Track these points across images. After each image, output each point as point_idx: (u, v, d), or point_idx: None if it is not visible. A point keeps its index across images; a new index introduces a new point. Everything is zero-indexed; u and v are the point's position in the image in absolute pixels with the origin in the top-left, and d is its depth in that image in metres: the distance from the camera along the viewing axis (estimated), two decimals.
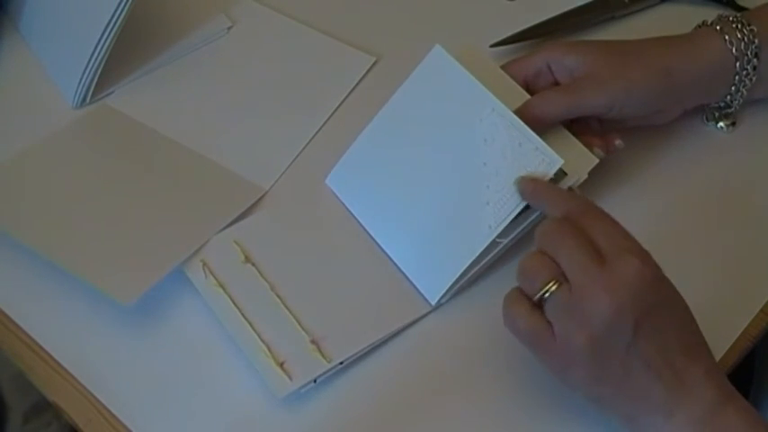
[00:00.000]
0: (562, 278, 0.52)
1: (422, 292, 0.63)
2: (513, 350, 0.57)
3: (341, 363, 0.60)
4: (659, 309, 0.52)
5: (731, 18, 0.68)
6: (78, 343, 0.63)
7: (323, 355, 0.60)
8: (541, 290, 0.52)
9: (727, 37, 0.67)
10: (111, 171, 0.71)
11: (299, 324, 0.61)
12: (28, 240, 0.65)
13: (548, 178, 0.59)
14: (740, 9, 0.81)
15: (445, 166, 0.64)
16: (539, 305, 0.53)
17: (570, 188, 0.62)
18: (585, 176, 0.62)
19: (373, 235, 0.66)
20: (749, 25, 0.67)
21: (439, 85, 0.65)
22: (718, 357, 0.61)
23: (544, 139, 0.60)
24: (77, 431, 0.60)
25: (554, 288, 0.52)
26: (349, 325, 0.62)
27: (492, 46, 0.78)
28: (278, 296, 0.63)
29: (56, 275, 0.64)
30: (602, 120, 0.69)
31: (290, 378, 0.59)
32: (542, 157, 0.59)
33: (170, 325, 0.63)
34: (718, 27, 0.68)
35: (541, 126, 0.63)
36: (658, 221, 0.68)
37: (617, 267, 0.51)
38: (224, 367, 0.61)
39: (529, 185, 0.59)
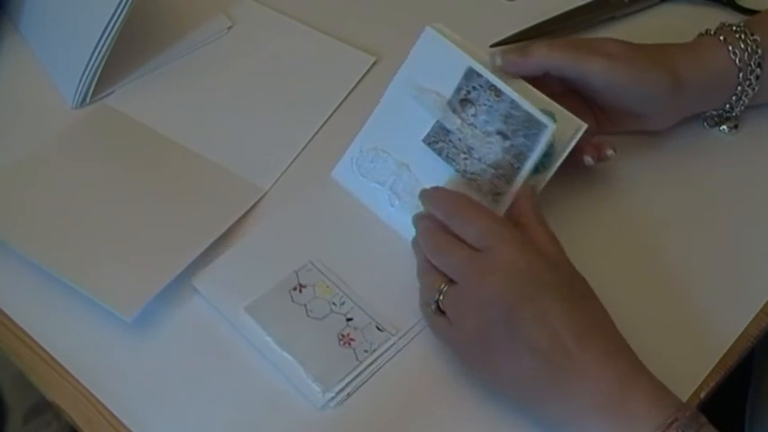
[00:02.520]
0: (450, 279, 0.57)
1: None
2: None
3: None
4: (540, 293, 0.53)
5: (734, 27, 0.68)
6: (78, 343, 0.63)
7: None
8: (437, 296, 0.57)
9: (730, 47, 0.67)
10: (111, 173, 0.71)
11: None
12: (28, 251, 0.65)
13: (573, 142, 0.62)
14: (740, 9, 0.81)
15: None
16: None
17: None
18: (574, 143, 0.63)
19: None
20: (752, 35, 0.67)
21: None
22: (717, 357, 0.61)
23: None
24: (77, 431, 0.60)
25: (445, 289, 0.57)
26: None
27: (492, 46, 0.78)
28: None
29: (55, 276, 0.64)
30: (599, 120, 0.69)
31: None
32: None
33: (170, 325, 0.63)
34: (721, 37, 0.67)
35: (535, 67, 0.64)
36: (659, 221, 0.68)
37: (487, 254, 0.55)
38: (224, 367, 0.61)
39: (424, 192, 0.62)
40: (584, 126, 0.63)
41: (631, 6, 0.82)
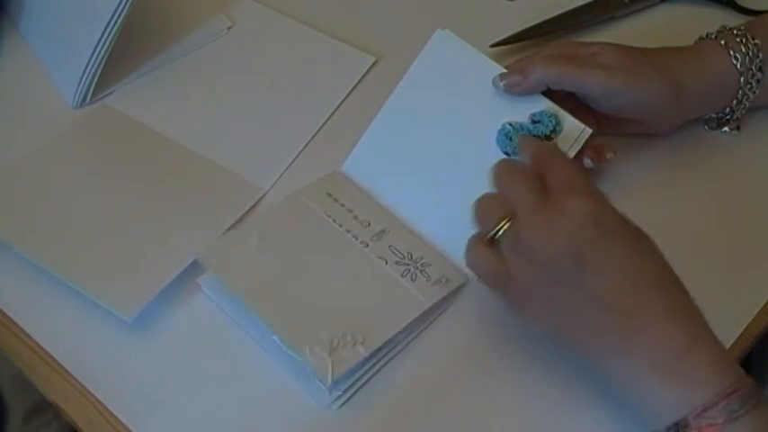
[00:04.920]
0: (514, 216, 0.54)
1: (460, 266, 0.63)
2: (528, 346, 0.60)
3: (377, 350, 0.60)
4: (604, 242, 0.52)
5: (735, 31, 0.67)
6: (78, 343, 0.63)
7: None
8: (494, 228, 0.55)
9: (731, 52, 0.66)
10: (111, 174, 0.71)
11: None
12: (28, 251, 0.65)
13: (578, 146, 0.63)
14: (740, 9, 0.81)
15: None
16: (494, 244, 0.55)
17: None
18: (578, 147, 0.63)
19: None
20: (753, 39, 0.67)
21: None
22: None
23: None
24: (77, 431, 0.60)
25: (506, 226, 0.55)
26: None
27: (492, 46, 0.78)
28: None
29: (56, 276, 0.64)
30: (600, 121, 0.69)
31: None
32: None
33: (170, 325, 0.63)
34: (722, 41, 0.67)
35: (536, 85, 0.64)
36: (659, 222, 0.68)
37: (559, 203, 0.53)
38: (225, 367, 0.61)
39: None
40: (589, 131, 0.63)
41: (631, 6, 0.82)
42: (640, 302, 0.52)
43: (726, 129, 0.72)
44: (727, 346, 0.61)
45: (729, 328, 0.62)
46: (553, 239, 0.52)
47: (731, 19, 0.80)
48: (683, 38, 0.71)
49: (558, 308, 0.54)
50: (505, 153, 0.64)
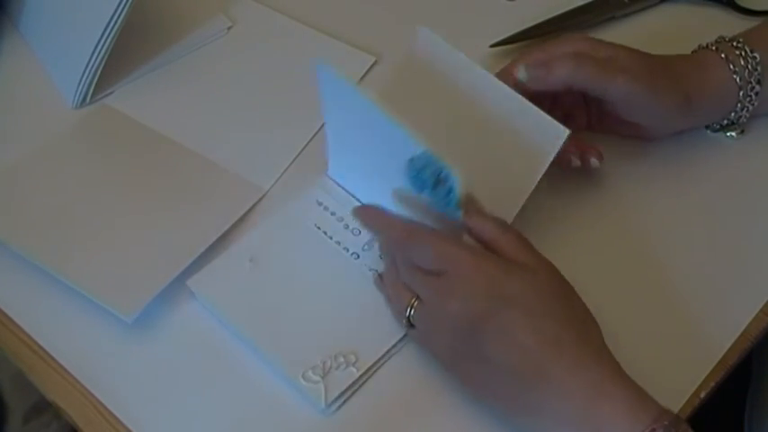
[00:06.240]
0: (418, 298, 0.57)
1: None
2: None
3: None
4: (502, 308, 0.52)
5: (734, 44, 0.67)
6: (78, 343, 0.63)
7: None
8: (408, 312, 0.57)
9: (732, 66, 0.66)
10: (111, 174, 0.71)
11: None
12: (28, 251, 0.65)
13: (556, 149, 0.61)
14: (740, 9, 0.81)
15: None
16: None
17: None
18: (558, 150, 0.61)
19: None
20: (752, 52, 0.67)
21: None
22: (718, 357, 0.61)
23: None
24: (77, 431, 0.60)
25: (415, 304, 0.57)
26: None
27: (492, 46, 0.78)
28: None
29: (56, 276, 0.64)
30: (599, 121, 0.69)
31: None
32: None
33: (170, 325, 0.63)
34: (723, 55, 0.67)
35: (558, 84, 0.64)
36: (659, 222, 0.68)
37: (446, 281, 0.54)
38: (224, 368, 0.61)
39: (360, 212, 0.62)
40: (567, 132, 0.61)
41: (631, 6, 0.82)
42: (547, 359, 0.52)
43: (731, 134, 0.71)
44: (728, 346, 0.61)
45: (729, 328, 0.62)
46: (447, 311, 0.54)
47: (731, 19, 0.80)
48: (683, 38, 0.71)
49: (468, 372, 0.55)
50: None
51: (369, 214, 0.61)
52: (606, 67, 0.64)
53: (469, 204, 0.57)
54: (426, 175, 0.57)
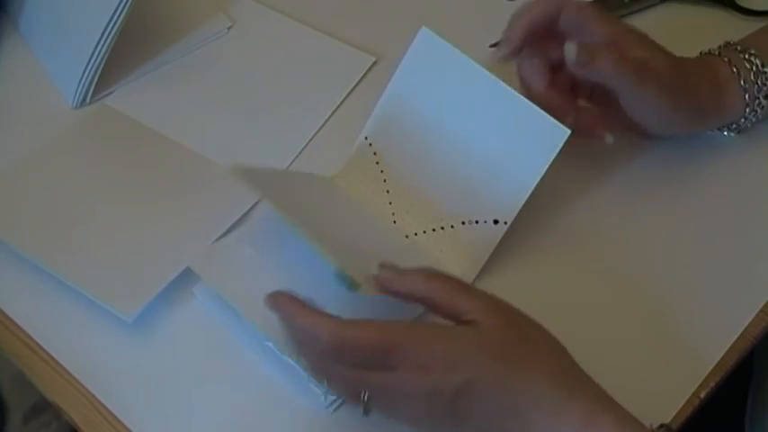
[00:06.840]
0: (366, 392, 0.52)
1: None
2: None
3: None
4: (466, 388, 0.50)
5: (746, 56, 0.67)
6: (78, 343, 0.63)
7: None
8: (361, 407, 0.52)
9: (743, 82, 0.67)
10: (111, 174, 0.71)
11: None
12: (28, 251, 0.65)
13: (556, 150, 0.61)
14: (740, 9, 0.81)
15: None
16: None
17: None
18: (558, 150, 0.61)
19: None
20: (763, 67, 0.67)
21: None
22: (718, 357, 0.61)
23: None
24: (77, 431, 0.60)
25: (365, 397, 0.52)
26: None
27: (492, 46, 0.78)
28: None
29: (56, 276, 0.64)
30: (608, 115, 0.69)
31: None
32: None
33: (170, 325, 0.63)
34: (734, 69, 0.67)
35: (596, 74, 0.63)
36: (660, 222, 0.68)
37: (402, 374, 0.51)
38: (224, 367, 0.61)
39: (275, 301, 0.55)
40: (568, 132, 0.61)
41: (631, 6, 0.81)
42: (523, 418, 0.50)
43: (731, 133, 0.71)
44: (728, 346, 0.61)
45: (729, 328, 0.62)
46: (405, 414, 0.52)
47: (732, 19, 0.80)
48: (683, 38, 0.70)
49: None
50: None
51: (286, 307, 0.54)
52: (641, 73, 0.63)
53: (383, 270, 0.55)
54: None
